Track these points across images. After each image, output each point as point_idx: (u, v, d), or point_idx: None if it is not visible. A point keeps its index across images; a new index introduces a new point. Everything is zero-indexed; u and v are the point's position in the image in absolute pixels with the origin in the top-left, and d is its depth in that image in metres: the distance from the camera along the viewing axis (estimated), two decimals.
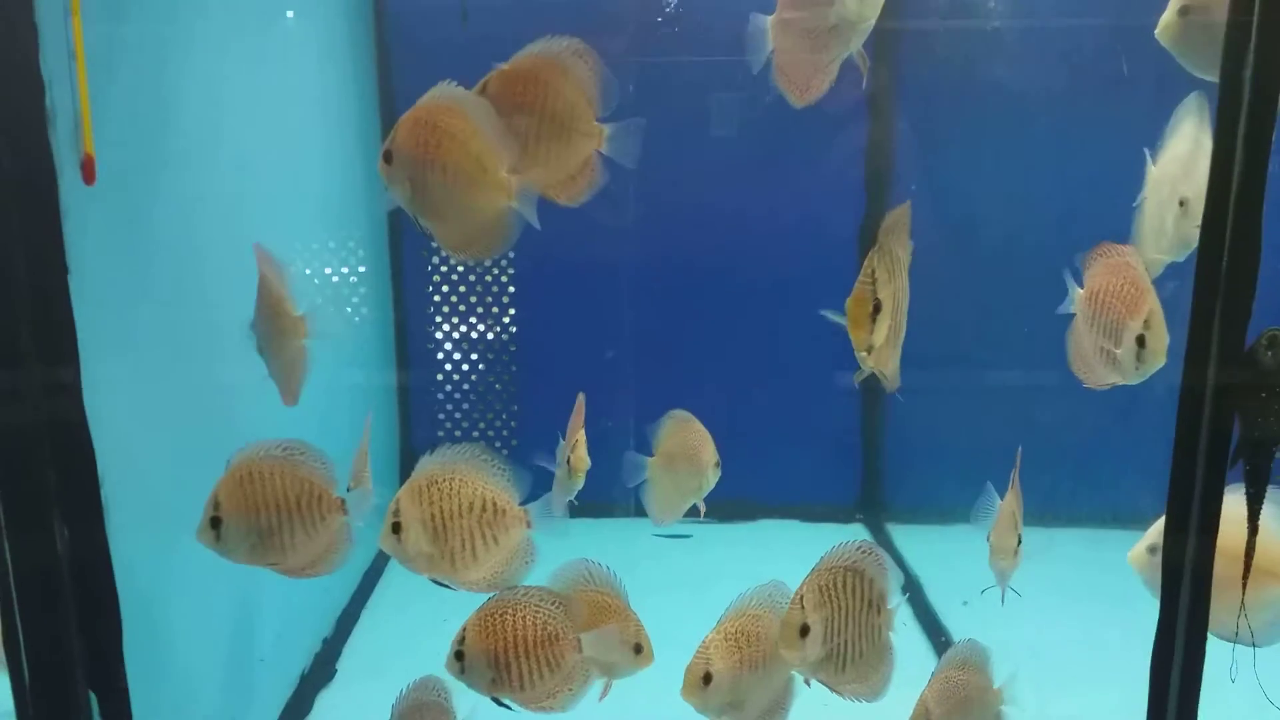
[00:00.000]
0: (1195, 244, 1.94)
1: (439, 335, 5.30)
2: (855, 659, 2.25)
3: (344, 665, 4.07)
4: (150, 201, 2.71)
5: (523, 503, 2.31)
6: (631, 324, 5.19)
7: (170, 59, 2.85)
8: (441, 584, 2.32)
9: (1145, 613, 2.13)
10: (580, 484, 2.78)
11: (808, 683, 2.33)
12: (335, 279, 4.45)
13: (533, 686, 2.31)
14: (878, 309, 2.19)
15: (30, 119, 2.08)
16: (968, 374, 4.68)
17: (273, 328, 2.41)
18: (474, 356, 5.34)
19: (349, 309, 4.66)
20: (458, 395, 5.38)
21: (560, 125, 2.15)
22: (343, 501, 2.31)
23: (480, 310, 5.27)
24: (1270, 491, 2.06)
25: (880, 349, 2.23)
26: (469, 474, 2.28)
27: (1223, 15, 1.86)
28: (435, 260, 5.24)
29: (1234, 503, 2.03)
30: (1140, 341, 2.33)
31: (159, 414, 2.71)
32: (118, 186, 2.44)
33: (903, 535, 5.28)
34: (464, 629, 2.32)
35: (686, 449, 2.79)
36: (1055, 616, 3.74)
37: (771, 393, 5.18)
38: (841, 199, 5.14)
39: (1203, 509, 1.96)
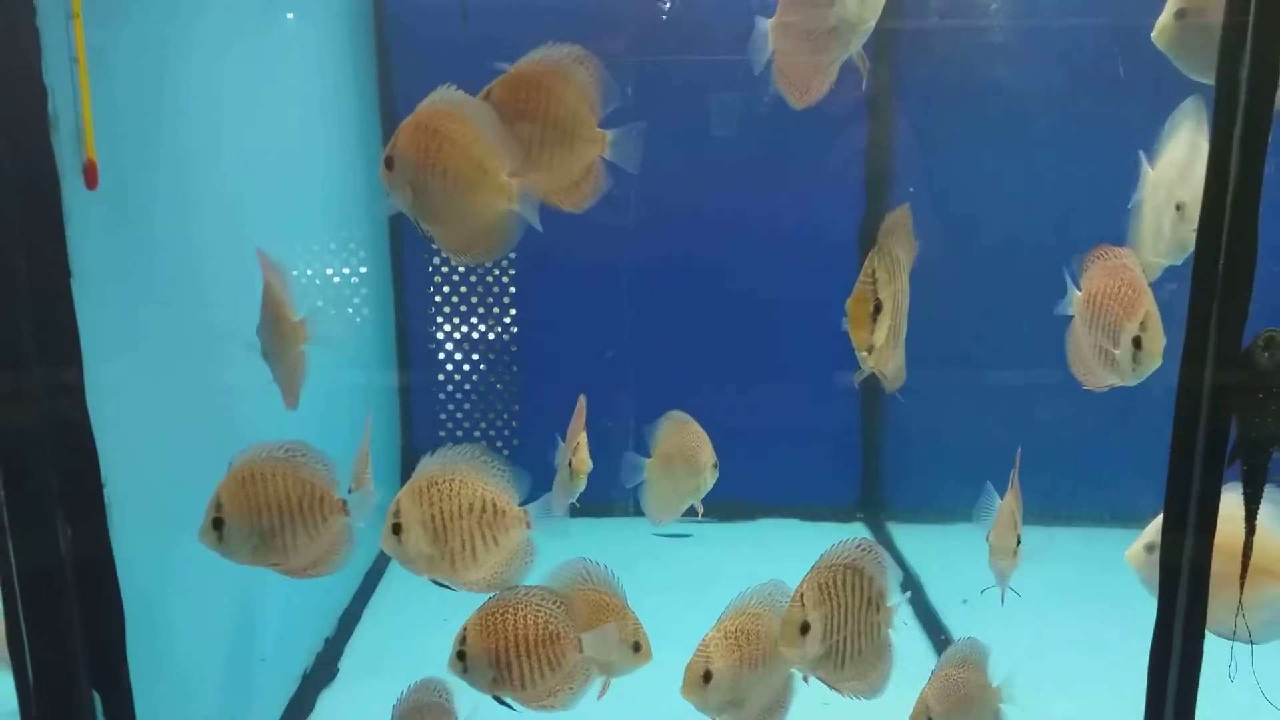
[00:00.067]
0: (1192, 248, 1.94)
1: (440, 336, 5.30)
2: (854, 656, 2.26)
3: (346, 665, 4.07)
4: (151, 203, 2.72)
5: (523, 503, 2.32)
6: (632, 324, 5.19)
7: (170, 61, 2.86)
8: (442, 584, 2.33)
9: (1144, 611, 2.14)
10: (582, 486, 2.79)
11: (806, 680, 2.34)
12: (336, 280, 4.45)
13: (534, 685, 2.32)
14: (878, 309, 2.20)
15: (33, 124, 2.10)
16: (968, 374, 4.67)
17: (274, 333, 2.42)
18: (475, 357, 5.35)
19: (350, 310, 4.66)
20: (459, 396, 5.38)
21: (563, 132, 2.15)
22: (344, 503, 2.32)
23: (481, 311, 5.28)
24: (1267, 491, 2.07)
25: (880, 349, 2.24)
26: (469, 475, 2.28)
27: (1219, 18, 1.86)
28: (436, 261, 5.24)
29: (1231, 501, 2.04)
30: (1137, 343, 2.34)
31: (161, 415, 2.72)
32: (119, 189, 2.45)
33: (903, 535, 5.29)
34: (465, 629, 2.33)
35: (684, 450, 2.79)
36: (1054, 615, 3.74)
37: (772, 393, 5.18)
38: (841, 200, 5.14)
39: (1200, 508, 1.97)
